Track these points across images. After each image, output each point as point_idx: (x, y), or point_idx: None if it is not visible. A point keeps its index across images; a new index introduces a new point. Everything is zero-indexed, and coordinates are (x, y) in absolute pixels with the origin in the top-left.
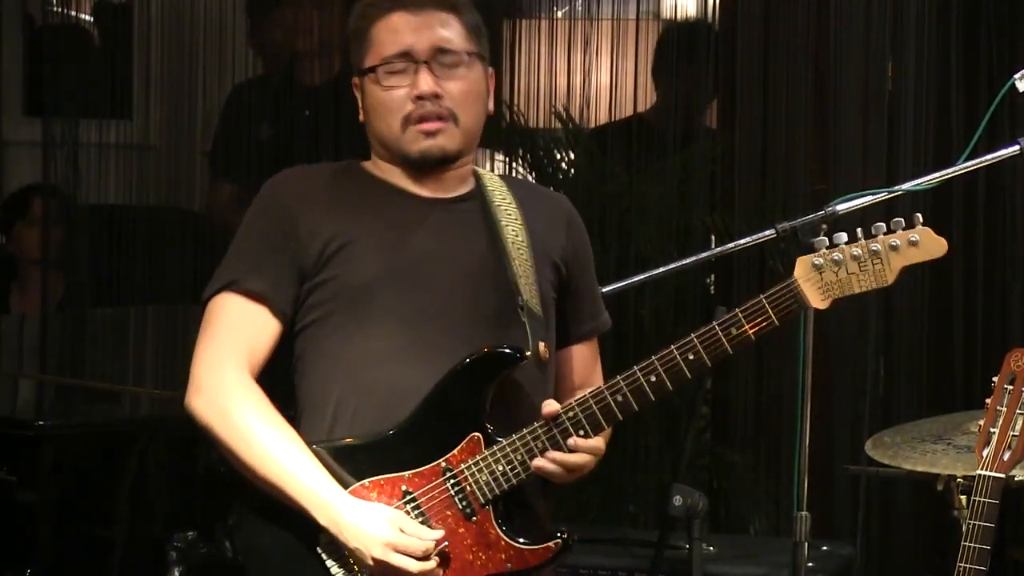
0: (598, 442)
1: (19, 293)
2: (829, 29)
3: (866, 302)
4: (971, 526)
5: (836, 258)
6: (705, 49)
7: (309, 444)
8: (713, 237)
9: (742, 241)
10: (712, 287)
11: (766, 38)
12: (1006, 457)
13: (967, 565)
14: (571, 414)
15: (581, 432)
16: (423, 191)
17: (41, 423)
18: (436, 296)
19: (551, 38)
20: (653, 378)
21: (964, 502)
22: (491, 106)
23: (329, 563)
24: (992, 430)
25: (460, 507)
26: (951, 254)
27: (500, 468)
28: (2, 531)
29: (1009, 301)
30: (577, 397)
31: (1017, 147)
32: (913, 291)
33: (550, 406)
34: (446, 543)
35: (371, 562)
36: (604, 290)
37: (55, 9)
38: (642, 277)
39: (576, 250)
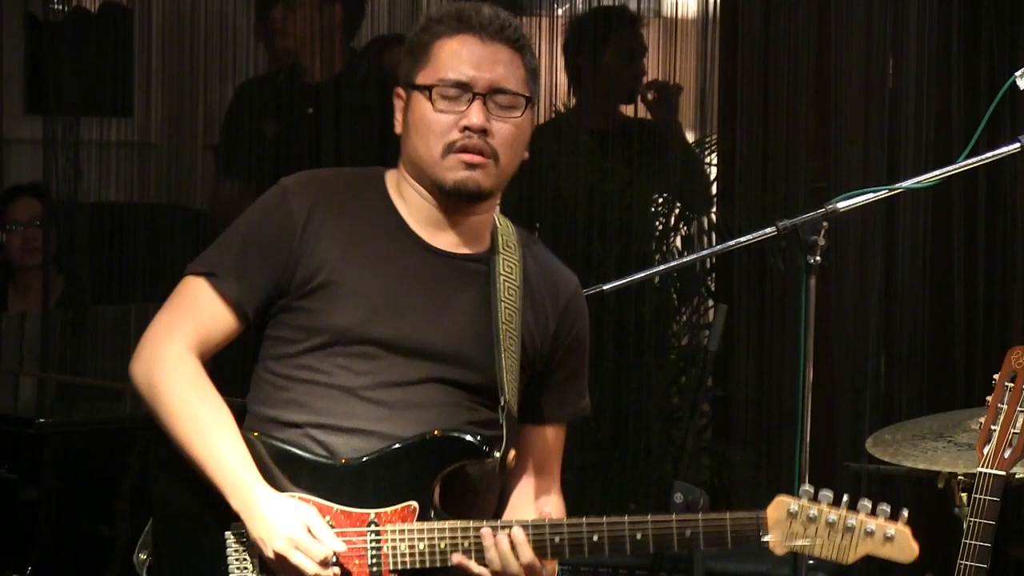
0: (532, 558)
1: (16, 292)
2: (830, 27)
3: (867, 300)
4: (972, 523)
5: (811, 515)
6: (627, 34)
7: (255, 431)
8: (714, 235)
9: (743, 239)
10: (713, 285)
11: (767, 36)
12: (1007, 455)
13: (968, 563)
14: (504, 531)
15: (512, 551)
16: (436, 240)
17: (42, 421)
18: (414, 355)
19: (551, 35)
20: (595, 538)
21: (965, 500)
22: (526, 153)
23: (231, 548)
24: (993, 428)
25: (369, 562)
26: (952, 251)
27: (420, 547)
28: (3, 529)
29: (1010, 298)
30: (520, 522)
31: (1018, 145)
32: (914, 289)
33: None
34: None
35: (271, 554)
36: (605, 287)
37: (56, 7)
38: (643, 274)
39: (561, 339)
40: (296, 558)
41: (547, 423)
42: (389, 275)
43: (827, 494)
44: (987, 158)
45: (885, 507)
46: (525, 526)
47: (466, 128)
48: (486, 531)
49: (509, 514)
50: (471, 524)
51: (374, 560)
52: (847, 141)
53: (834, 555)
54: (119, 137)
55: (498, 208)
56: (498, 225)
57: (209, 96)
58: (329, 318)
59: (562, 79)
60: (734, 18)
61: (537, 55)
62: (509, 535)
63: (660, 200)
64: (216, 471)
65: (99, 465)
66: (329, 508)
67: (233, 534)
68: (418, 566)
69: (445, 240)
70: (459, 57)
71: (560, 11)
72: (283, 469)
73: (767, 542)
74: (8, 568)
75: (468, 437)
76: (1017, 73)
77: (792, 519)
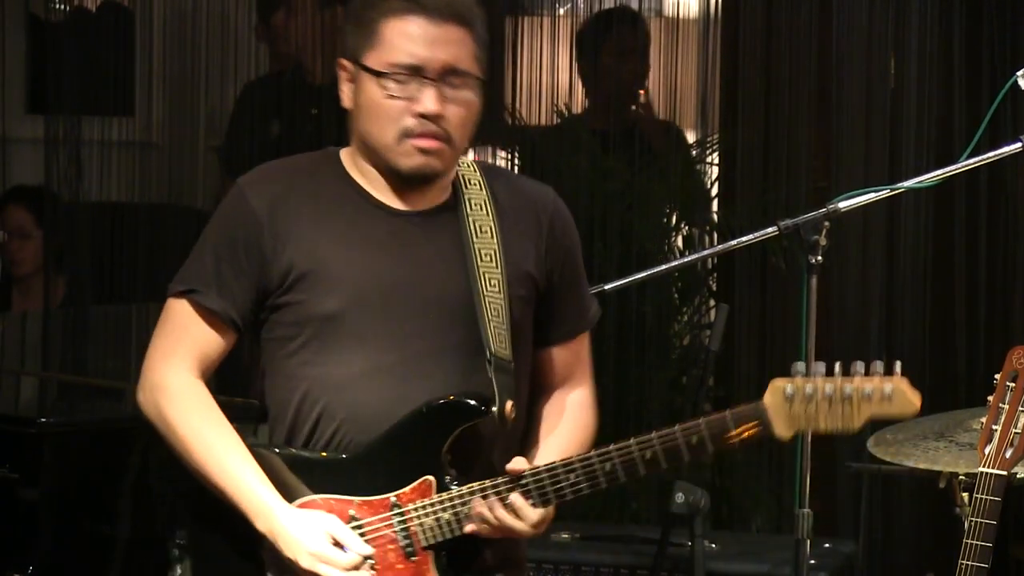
0: (537, 515)
1: (19, 293)
2: (831, 26)
3: (868, 299)
4: (973, 523)
5: (808, 392)
6: (627, 34)
7: (270, 448)
8: (715, 234)
9: (744, 238)
10: (714, 284)
11: (768, 35)
12: (1008, 454)
13: (969, 562)
14: (524, 483)
15: (530, 501)
16: (399, 203)
17: (43, 421)
18: (402, 323)
19: (553, 35)
20: (607, 466)
21: (966, 499)
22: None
23: (271, 571)
24: (994, 427)
25: (402, 544)
26: (954, 251)
27: (446, 516)
28: (4, 529)
29: (1011, 298)
30: (533, 466)
31: (1019, 144)
32: (915, 289)
33: (516, 464)
34: (376, 568)
35: (301, 572)
36: (606, 287)
37: (58, 6)
38: (644, 275)
39: (557, 254)
40: (323, 571)
41: (556, 343)
42: (363, 249)
43: (820, 368)
44: (988, 158)
45: (878, 366)
46: (538, 474)
47: (420, 115)
48: (478, 501)
49: (548, 445)
50: (487, 484)
51: (406, 541)
52: (848, 141)
53: (839, 426)
54: (120, 137)
55: None
56: (460, 172)
57: (211, 96)
58: (316, 306)
59: (563, 79)
60: (735, 18)
61: (539, 55)
62: (510, 502)
63: (668, 210)
64: (237, 497)
65: (100, 465)
66: (350, 502)
67: (267, 558)
68: (449, 536)
69: (410, 201)
70: (410, 39)
71: (562, 11)
72: (298, 475)
73: (775, 431)
74: (9, 567)
75: (465, 400)
76: (1018, 73)
77: (790, 402)
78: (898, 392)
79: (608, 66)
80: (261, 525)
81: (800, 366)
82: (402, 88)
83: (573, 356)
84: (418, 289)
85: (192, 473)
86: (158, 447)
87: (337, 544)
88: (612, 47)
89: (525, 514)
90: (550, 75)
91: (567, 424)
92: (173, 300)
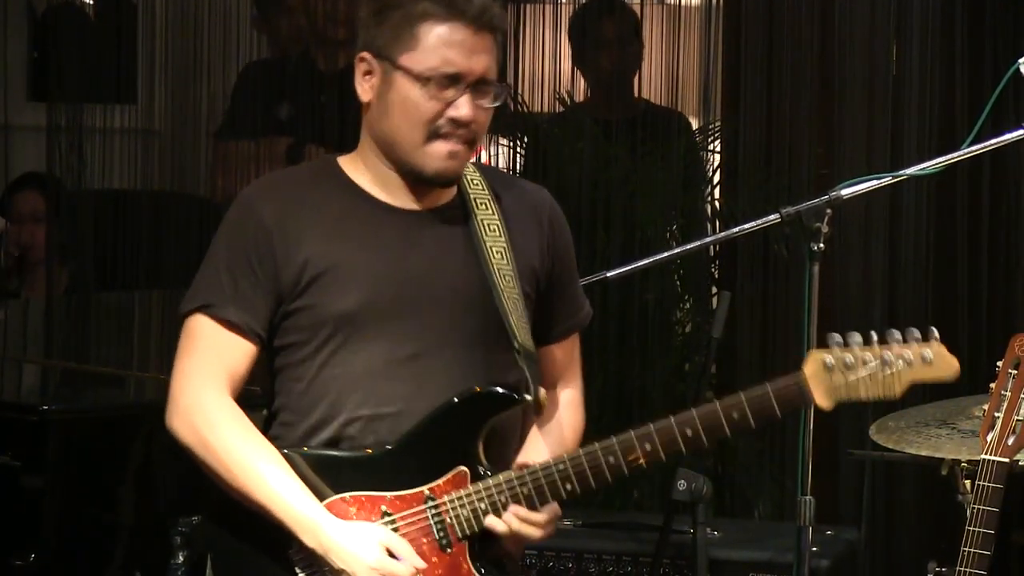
0: (542, 516)
1: (26, 280)
2: (834, 13)
3: (871, 286)
4: (975, 510)
5: (848, 361)
6: (617, 20)
7: (296, 450)
8: (717, 222)
9: (747, 226)
10: (716, 272)
11: (770, 22)
12: (1010, 442)
13: (971, 549)
14: (561, 467)
15: (568, 486)
16: (406, 202)
17: (46, 408)
18: (419, 318)
19: (555, 23)
20: (648, 446)
21: (968, 487)
22: None
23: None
24: (996, 415)
25: (437, 536)
26: (956, 238)
27: (482, 507)
28: (7, 516)
29: (1013, 285)
30: (570, 453)
31: (1022, 131)
32: (917, 275)
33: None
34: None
35: None
36: (609, 274)
37: None
38: (646, 262)
39: (555, 252)
40: None
41: (558, 340)
42: (374, 248)
43: (856, 338)
44: (991, 144)
45: (915, 332)
46: (590, 454)
47: (454, 120)
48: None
49: (544, 440)
50: (526, 472)
51: (441, 534)
52: (851, 128)
53: (881, 393)
54: (123, 124)
55: None
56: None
57: (212, 83)
58: (331, 307)
59: (566, 66)
60: (737, 4)
61: (540, 43)
62: (519, 515)
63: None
64: (281, 513)
65: (103, 452)
66: (382, 498)
67: (297, 558)
68: (485, 527)
69: (416, 200)
70: (452, 47)
71: None
72: (325, 476)
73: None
74: (12, 555)
75: (496, 389)
76: (1021, 59)
77: (831, 372)
78: (938, 356)
79: (592, 57)
80: (309, 541)
81: (836, 336)
82: (440, 90)
83: (567, 355)
84: (432, 283)
85: (230, 493)
86: (161, 434)
87: (390, 554)
88: (593, 38)
89: (534, 518)
90: (552, 62)
91: (560, 423)
92: (191, 318)
